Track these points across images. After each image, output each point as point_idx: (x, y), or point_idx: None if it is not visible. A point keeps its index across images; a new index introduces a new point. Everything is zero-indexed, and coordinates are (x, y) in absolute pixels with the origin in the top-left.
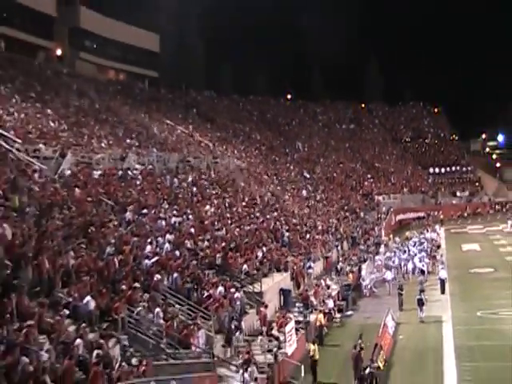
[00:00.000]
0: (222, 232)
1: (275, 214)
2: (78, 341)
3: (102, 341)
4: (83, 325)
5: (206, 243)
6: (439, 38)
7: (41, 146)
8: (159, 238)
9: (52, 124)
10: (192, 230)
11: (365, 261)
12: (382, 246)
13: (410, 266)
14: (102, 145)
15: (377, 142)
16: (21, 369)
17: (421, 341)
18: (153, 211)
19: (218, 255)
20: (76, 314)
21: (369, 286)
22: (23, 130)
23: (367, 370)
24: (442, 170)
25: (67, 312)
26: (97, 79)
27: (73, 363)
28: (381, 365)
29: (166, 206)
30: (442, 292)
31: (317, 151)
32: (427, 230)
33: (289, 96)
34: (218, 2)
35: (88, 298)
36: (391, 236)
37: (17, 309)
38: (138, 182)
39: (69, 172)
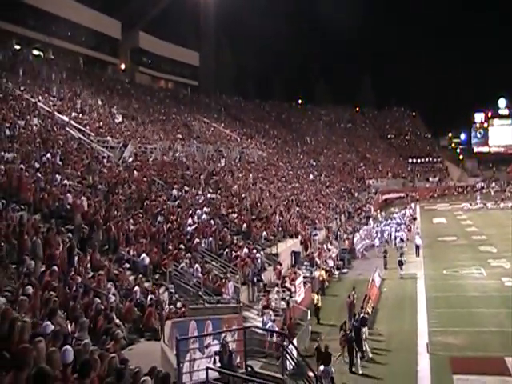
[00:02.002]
0: (245, 206)
1: (288, 192)
2: (136, 288)
3: (154, 288)
4: (140, 276)
5: (235, 215)
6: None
7: (108, 138)
8: (198, 210)
9: (117, 121)
10: (223, 204)
11: (358, 230)
12: (371, 218)
13: (392, 234)
14: (155, 137)
15: (368, 138)
16: (94, 307)
17: (400, 292)
18: (193, 189)
19: (243, 224)
20: (135, 268)
21: (361, 250)
22: (95, 125)
23: (359, 315)
24: (418, 160)
25: (128, 265)
26: (151, 87)
27: (132, 304)
28: (369, 310)
29: (204, 185)
30: (417, 255)
31: (321, 144)
32: (406, 207)
33: (299, 101)
34: (243, 26)
35: (143, 255)
36: (378, 211)
37: (91, 262)
38: (182, 167)
39: (129, 158)
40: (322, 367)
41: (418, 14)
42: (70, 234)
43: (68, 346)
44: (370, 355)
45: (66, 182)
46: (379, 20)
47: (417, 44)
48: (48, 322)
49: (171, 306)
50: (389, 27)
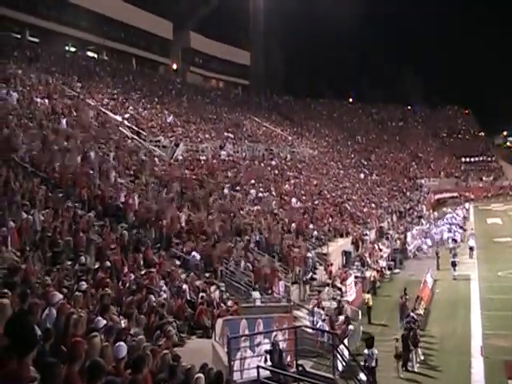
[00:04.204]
0: (297, 205)
1: (339, 192)
2: (187, 285)
3: (205, 286)
4: (191, 273)
5: (286, 213)
6: (477, 52)
7: (161, 137)
8: (249, 209)
9: (169, 121)
10: (274, 202)
11: (410, 230)
12: (424, 218)
13: (445, 235)
14: (206, 136)
15: (420, 136)
16: (147, 304)
17: (453, 294)
18: (244, 188)
19: (293, 223)
20: (186, 265)
21: (412, 250)
22: (148, 125)
23: (411, 315)
24: (472, 159)
25: (179, 263)
26: (202, 87)
27: (184, 302)
28: (421, 312)
29: (255, 184)
30: (471, 257)
31: (372, 143)
32: (459, 207)
33: (350, 99)
34: (294, 25)
35: (194, 253)
36: (431, 211)
37: (144, 259)
38: (233, 166)
39: (181, 157)
40: (366, 350)
41: (474, 12)
42: (125, 232)
43: (121, 342)
44: (422, 357)
45: (119, 180)
46: (432, 17)
47: (471, 42)
48: (100, 318)
49: (222, 305)
50: (442, 25)
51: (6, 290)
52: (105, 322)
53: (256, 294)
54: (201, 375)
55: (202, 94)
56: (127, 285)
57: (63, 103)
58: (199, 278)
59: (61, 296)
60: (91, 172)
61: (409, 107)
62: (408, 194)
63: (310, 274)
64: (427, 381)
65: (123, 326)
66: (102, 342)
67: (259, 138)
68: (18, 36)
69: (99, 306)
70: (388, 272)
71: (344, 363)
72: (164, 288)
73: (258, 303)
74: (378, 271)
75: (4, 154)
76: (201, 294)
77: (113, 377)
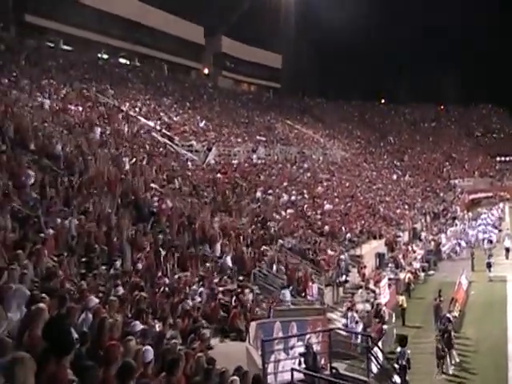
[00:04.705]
0: (330, 207)
1: (371, 193)
2: (221, 289)
3: (239, 289)
4: (225, 277)
5: (318, 216)
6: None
7: (193, 142)
8: (282, 212)
9: (201, 125)
10: (307, 205)
11: (444, 231)
12: (458, 219)
13: (480, 235)
14: (238, 140)
15: (453, 136)
16: (181, 307)
17: (488, 296)
18: (277, 191)
19: (326, 226)
20: (220, 269)
21: (447, 252)
22: (180, 130)
23: (446, 317)
24: (507, 158)
25: (213, 267)
26: (234, 91)
27: (217, 305)
28: (456, 314)
29: (287, 187)
30: (507, 258)
31: (405, 144)
32: (494, 207)
33: (382, 100)
34: (325, 28)
35: (228, 256)
36: (465, 211)
37: (177, 263)
38: (265, 169)
39: (213, 161)
40: (398, 348)
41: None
42: (159, 236)
43: (148, 346)
44: (458, 359)
45: (152, 185)
46: (465, 16)
47: (505, 40)
48: (137, 322)
49: (255, 308)
50: (475, 23)
51: (43, 295)
52: (141, 325)
53: (286, 293)
54: (236, 378)
55: (234, 97)
56: (161, 289)
57: (97, 110)
58: (232, 282)
59: (97, 300)
60: (125, 177)
61: (441, 107)
62: (442, 194)
63: (344, 276)
64: (462, 383)
65: (158, 329)
66: (136, 345)
67: (291, 141)
68: (52, 45)
69: (135, 309)
70: (422, 274)
71: (378, 366)
72: (198, 291)
73: (288, 299)
74: (411, 273)
75: (40, 161)
76: (234, 297)
77: (147, 380)
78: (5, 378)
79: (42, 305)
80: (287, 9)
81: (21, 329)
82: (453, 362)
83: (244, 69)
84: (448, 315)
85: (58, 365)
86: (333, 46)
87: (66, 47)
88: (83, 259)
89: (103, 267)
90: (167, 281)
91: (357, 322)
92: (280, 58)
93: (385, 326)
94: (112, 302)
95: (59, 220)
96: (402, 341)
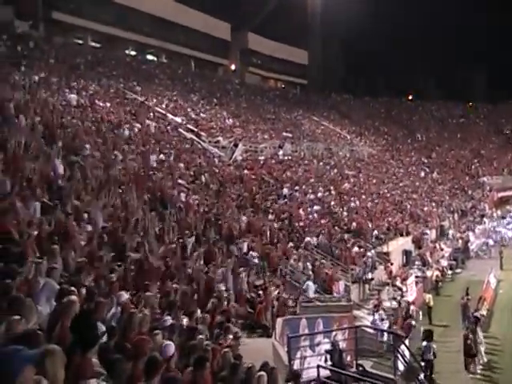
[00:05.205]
0: (356, 204)
1: (398, 190)
2: (247, 285)
3: (265, 285)
4: (251, 273)
5: (345, 213)
6: None
7: (220, 138)
8: (308, 209)
9: (228, 121)
10: (333, 202)
11: (472, 229)
12: (486, 217)
13: (509, 233)
14: (265, 137)
15: (482, 133)
16: (211, 302)
17: None
18: (303, 187)
19: (353, 223)
20: (246, 264)
21: (475, 250)
22: (207, 126)
23: (473, 314)
24: None
25: (239, 262)
26: (261, 87)
27: (244, 301)
28: (484, 312)
29: (314, 184)
30: None
31: (432, 141)
32: None
33: (410, 97)
34: (352, 24)
35: (254, 252)
36: (494, 209)
37: (204, 255)
38: (291, 165)
39: (240, 158)
40: (424, 343)
41: None
42: (186, 232)
43: (169, 341)
44: (485, 359)
45: (179, 181)
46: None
47: None
48: (168, 317)
49: (282, 304)
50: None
51: (72, 289)
52: (172, 320)
53: (310, 284)
54: (263, 373)
55: (261, 94)
56: (189, 284)
57: (124, 107)
58: (259, 278)
59: (126, 296)
60: (152, 173)
61: (470, 104)
62: (470, 192)
63: (370, 273)
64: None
65: (185, 324)
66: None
67: (318, 138)
68: (80, 42)
69: (164, 304)
70: (449, 272)
71: (405, 363)
72: (224, 287)
73: (312, 291)
74: (439, 271)
75: (68, 157)
76: (259, 293)
77: (171, 373)
78: (36, 370)
79: (73, 297)
80: (314, 5)
81: (51, 322)
82: (480, 362)
83: (271, 65)
84: (476, 314)
85: (83, 357)
86: (359, 42)
87: (93, 44)
88: (112, 253)
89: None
90: (194, 276)
91: (383, 320)
92: (306, 55)
93: (413, 322)
94: (142, 296)
95: (86, 215)
96: (428, 335)
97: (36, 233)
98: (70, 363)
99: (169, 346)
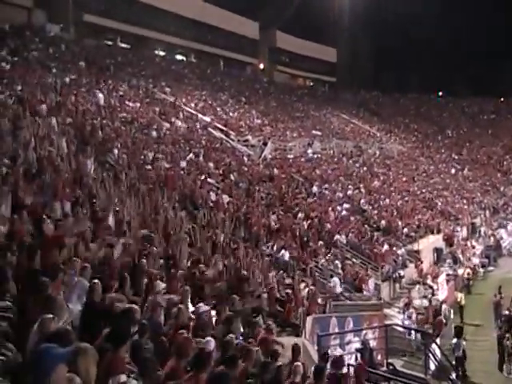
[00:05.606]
0: (386, 201)
1: (429, 187)
2: (276, 283)
3: (295, 284)
4: (281, 271)
5: (375, 211)
6: None
7: (249, 137)
8: (338, 207)
9: (257, 120)
10: (363, 200)
11: (504, 226)
12: None
13: None
14: (294, 135)
15: None
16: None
17: None
18: (333, 185)
19: (382, 220)
20: (276, 263)
21: (507, 247)
22: (236, 125)
23: (506, 313)
24: None
25: (269, 261)
26: (290, 85)
27: (273, 300)
28: None
29: (343, 182)
30: None
31: (463, 137)
32: None
33: (440, 93)
34: (380, 20)
35: (284, 251)
36: None
37: (233, 255)
38: (321, 163)
39: (269, 156)
40: (454, 340)
41: None
42: (217, 230)
43: (210, 337)
44: None
45: (209, 180)
46: None
47: None
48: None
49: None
50: None
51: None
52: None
53: (336, 280)
54: (299, 363)
55: (289, 92)
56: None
57: (154, 106)
58: (288, 276)
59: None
60: (182, 172)
61: (501, 99)
62: (502, 188)
63: (400, 271)
64: None
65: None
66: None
67: (347, 135)
68: (110, 43)
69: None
70: (481, 270)
71: (436, 363)
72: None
73: (338, 288)
74: (471, 269)
75: (99, 156)
76: (290, 292)
77: (224, 369)
78: (68, 367)
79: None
80: (342, 1)
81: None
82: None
83: (299, 63)
84: (508, 312)
85: (115, 354)
86: (388, 39)
87: (123, 45)
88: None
89: (160, 261)
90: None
91: (410, 318)
92: (335, 52)
93: (444, 320)
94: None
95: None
96: (458, 332)
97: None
98: (102, 359)
99: (210, 341)
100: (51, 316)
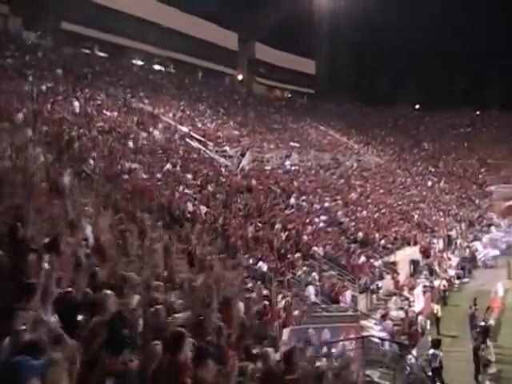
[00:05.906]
0: (363, 213)
1: (405, 200)
2: (253, 294)
3: (272, 296)
4: (258, 283)
5: (352, 223)
6: None
7: (226, 147)
8: (315, 219)
9: (235, 131)
10: (340, 212)
11: (479, 239)
12: (493, 226)
13: None
14: (272, 146)
15: (489, 142)
16: None
17: None
18: (310, 197)
19: (359, 232)
20: (253, 274)
21: (482, 259)
22: (214, 135)
23: (481, 324)
24: None
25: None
26: (268, 97)
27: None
28: (492, 322)
29: (321, 194)
30: None
31: (439, 150)
32: None
33: (417, 106)
34: (358, 34)
35: (261, 262)
36: (501, 218)
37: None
38: (299, 175)
39: (247, 167)
40: (431, 351)
41: None
42: (194, 241)
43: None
44: (494, 369)
45: (186, 190)
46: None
47: None
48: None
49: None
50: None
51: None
52: None
53: (310, 289)
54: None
55: (268, 104)
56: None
57: (131, 116)
58: (266, 288)
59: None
60: (159, 183)
61: (477, 112)
62: (477, 201)
63: (377, 283)
64: None
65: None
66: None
67: (325, 147)
68: (88, 51)
69: None
70: (457, 281)
71: (412, 374)
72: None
73: (312, 296)
74: (446, 280)
75: (75, 166)
76: (267, 303)
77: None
78: (41, 380)
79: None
80: (320, 14)
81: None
82: (490, 372)
83: (278, 75)
84: (485, 324)
85: (111, 358)
86: (365, 53)
87: (101, 54)
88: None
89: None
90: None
91: (385, 329)
92: (314, 64)
93: (420, 330)
94: None
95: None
96: (436, 344)
97: None
98: (97, 362)
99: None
100: (24, 327)
